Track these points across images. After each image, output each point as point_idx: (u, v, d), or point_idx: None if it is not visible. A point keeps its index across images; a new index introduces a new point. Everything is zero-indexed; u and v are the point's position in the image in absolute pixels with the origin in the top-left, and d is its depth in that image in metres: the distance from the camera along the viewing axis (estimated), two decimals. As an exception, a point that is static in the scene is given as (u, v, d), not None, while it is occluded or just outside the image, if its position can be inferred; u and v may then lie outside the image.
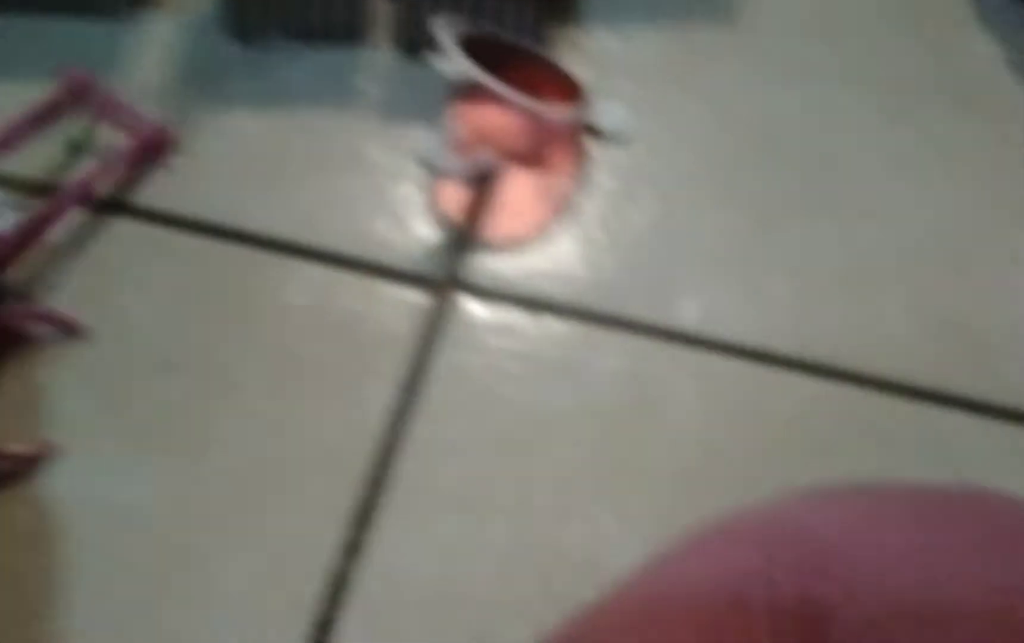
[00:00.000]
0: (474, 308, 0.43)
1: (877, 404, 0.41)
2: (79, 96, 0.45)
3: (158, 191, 0.46)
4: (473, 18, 0.46)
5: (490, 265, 0.44)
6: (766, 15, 0.53)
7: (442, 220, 0.45)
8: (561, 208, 0.45)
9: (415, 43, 0.49)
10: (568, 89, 0.47)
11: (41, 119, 0.44)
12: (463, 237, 0.44)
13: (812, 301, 0.43)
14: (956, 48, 0.52)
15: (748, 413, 0.40)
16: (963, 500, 0.26)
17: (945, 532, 0.23)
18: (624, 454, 0.39)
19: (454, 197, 0.45)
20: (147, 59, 0.50)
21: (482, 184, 0.44)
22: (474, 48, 0.44)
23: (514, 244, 0.44)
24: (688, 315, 0.43)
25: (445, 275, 0.44)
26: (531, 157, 0.45)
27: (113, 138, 0.46)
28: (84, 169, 0.44)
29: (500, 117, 0.45)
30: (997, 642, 0.19)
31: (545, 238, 0.45)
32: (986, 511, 0.25)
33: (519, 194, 0.45)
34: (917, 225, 0.46)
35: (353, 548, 0.37)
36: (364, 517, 0.37)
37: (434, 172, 0.44)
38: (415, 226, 0.45)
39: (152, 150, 0.46)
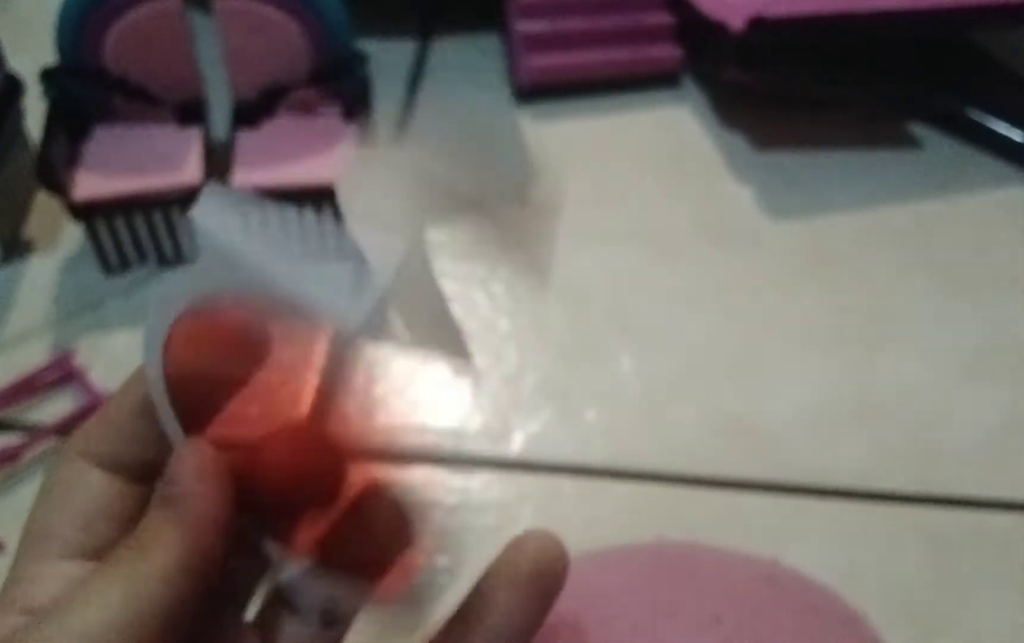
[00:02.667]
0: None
1: (681, 496, 0.49)
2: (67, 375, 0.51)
3: (53, 409, 0.51)
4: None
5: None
6: (557, 195, 0.64)
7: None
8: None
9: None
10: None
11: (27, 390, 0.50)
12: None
13: (619, 419, 0.52)
14: (714, 200, 0.64)
15: (574, 520, 0.48)
16: (647, 549, 0.34)
17: (627, 577, 0.31)
18: (473, 576, 0.46)
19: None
20: (27, 298, 0.56)
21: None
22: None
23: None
24: (517, 446, 0.51)
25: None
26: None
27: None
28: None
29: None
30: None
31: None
32: (661, 554, 0.33)
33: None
34: (698, 347, 0.55)
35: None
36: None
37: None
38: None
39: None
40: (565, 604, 0.29)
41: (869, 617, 0.34)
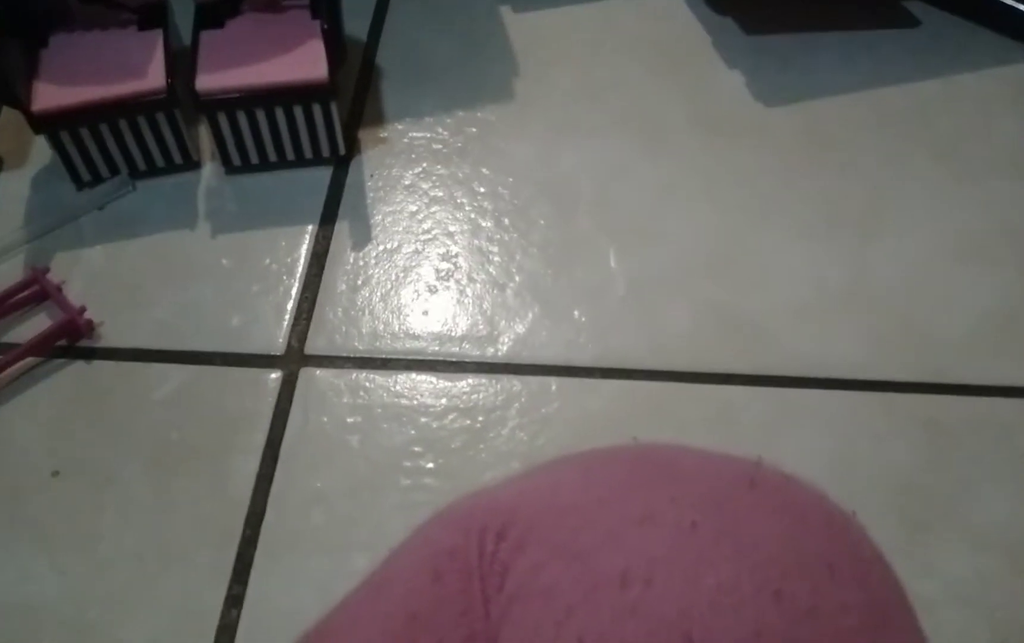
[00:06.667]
0: (320, 374, 0.49)
1: (669, 391, 0.48)
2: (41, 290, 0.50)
3: (30, 327, 0.50)
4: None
5: (332, 338, 0.51)
6: (541, 90, 0.61)
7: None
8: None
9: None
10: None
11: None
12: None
13: (607, 319, 0.51)
14: (705, 87, 0.61)
15: (560, 418, 0.47)
16: (624, 453, 0.32)
17: (602, 484, 0.30)
18: (460, 479, 0.45)
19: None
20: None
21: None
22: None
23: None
24: (504, 349, 0.50)
25: (293, 352, 0.50)
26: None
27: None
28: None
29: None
30: (627, 563, 0.25)
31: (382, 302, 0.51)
32: (638, 458, 0.31)
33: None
34: (687, 240, 0.54)
35: (238, 600, 0.42)
36: (243, 571, 0.42)
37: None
38: (265, 316, 0.51)
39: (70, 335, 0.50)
40: (538, 514, 0.28)
41: (858, 515, 0.33)
